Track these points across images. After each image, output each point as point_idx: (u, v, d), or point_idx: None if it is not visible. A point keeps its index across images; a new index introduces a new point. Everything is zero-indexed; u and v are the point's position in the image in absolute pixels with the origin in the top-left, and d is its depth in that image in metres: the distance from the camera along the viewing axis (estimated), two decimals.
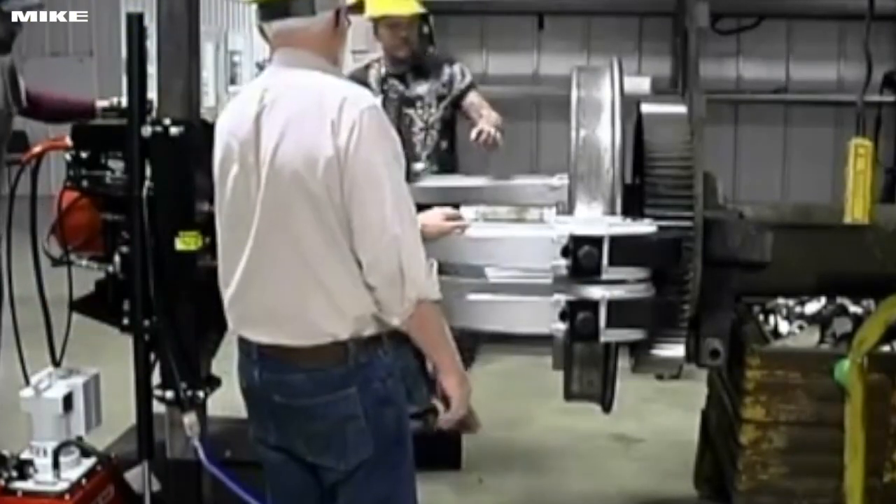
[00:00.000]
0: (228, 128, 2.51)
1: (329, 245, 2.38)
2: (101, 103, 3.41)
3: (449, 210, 2.90)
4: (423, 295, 2.42)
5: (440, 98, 4.68)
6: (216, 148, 2.55)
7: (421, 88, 4.69)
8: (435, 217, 2.83)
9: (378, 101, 2.48)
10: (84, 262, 3.14)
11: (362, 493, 2.52)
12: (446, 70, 4.70)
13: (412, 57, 4.70)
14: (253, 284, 2.48)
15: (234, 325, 2.59)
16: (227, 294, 2.56)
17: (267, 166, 2.39)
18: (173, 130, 2.92)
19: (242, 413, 2.68)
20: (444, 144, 4.72)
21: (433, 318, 2.49)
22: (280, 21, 2.45)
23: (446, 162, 4.66)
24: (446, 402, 2.60)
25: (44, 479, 3.05)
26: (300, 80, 2.44)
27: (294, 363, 2.46)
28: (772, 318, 4.12)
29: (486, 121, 4.38)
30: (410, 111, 4.67)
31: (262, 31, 2.52)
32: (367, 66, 4.74)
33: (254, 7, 2.49)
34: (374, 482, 2.51)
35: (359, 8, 2.73)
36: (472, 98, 4.64)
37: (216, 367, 3.17)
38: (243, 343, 2.57)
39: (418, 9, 4.65)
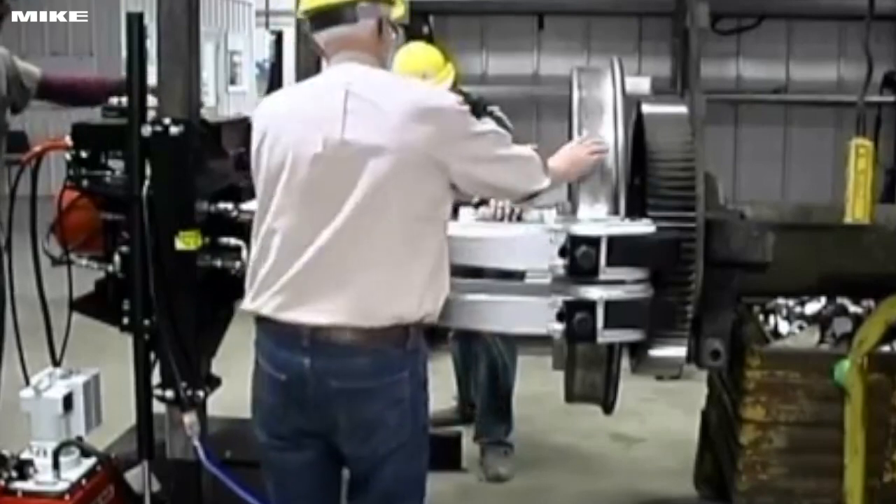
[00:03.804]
0: (300, 115, 2.54)
1: (418, 228, 2.48)
2: (115, 100, 3.33)
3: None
4: (545, 183, 2.74)
5: None
6: (275, 134, 2.54)
7: None
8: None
9: None
10: (84, 262, 3.15)
11: (395, 475, 2.56)
12: None
13: None
14: (325, 264, 2.46)
15: (280, 309, 2.50)
16: (283, 278, 2.49)
17: (356, 150, 2.43)
18: (173, 130, 2.92)
19: (242, 413, 2.67)
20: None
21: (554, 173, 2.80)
22: (332, 28, 2.59)
23: None
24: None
25: (44, 479, 3.04)
26: (379, 72, 2.60)
27: (355, 347, 2.47)
28: (772, 319, 4.12)
29: None
30: None
31: (312, 41, 2.64)
32: None
33: (303, 17, 2.62)
34: (405, 464, 2.57)
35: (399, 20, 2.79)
36: None
37: (216, 367, 3.17)
38: (288, 331, 2.49)
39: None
